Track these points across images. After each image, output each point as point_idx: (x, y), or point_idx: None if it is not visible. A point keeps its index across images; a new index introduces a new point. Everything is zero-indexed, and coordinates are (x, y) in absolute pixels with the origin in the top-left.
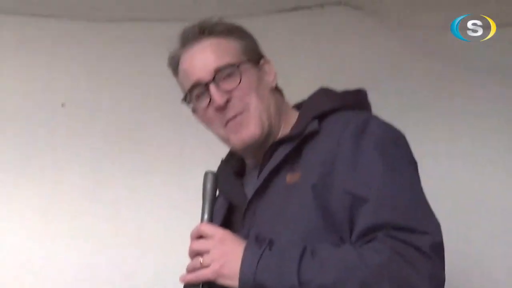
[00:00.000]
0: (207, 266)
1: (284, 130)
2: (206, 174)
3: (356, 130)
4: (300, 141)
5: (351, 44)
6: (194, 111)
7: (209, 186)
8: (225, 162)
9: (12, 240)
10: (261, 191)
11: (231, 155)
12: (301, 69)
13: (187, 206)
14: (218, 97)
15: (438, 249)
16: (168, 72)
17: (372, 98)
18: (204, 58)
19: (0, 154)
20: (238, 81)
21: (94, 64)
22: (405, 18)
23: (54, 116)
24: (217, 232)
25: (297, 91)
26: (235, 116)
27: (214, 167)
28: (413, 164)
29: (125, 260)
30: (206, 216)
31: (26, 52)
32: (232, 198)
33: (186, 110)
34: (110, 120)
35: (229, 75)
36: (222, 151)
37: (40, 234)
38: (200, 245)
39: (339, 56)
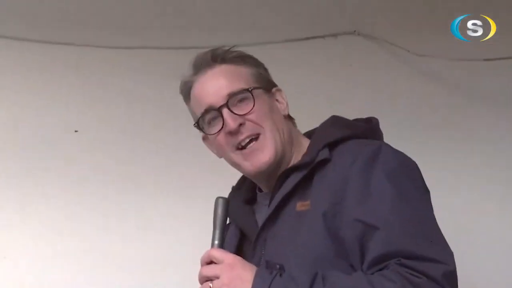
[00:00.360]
0: None
1: (296, 157)
2: (217, 200)
3: (368, 158)
4: (310, 169)
5: (364, 73)
6: (205, 138)
7: (220, 211)
8: (235, 190)
9: (18, 261)
10: (272, 218)
11: (242, 182)
12: (314, 97)
13: (197, 228)
14: (231, 120)
15: (450, 278)
16: (180, 98)
17: (385, 126)
18: (217, 84)
19: (14, 177)
20: (252, 105)
21: (107, 91)
22: (416, 47)
23: (68, 141)
24: (227, 257)
25: (310, 119)
26: (250, 141)
27: (223, 190)
28: (425, 193)
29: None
30: (216, 242)
31: (38, 79)
32: (243, 226)
33: (197, 136)
34: (122, 145)
35: (242, 100)
36: (230, 174)
37: (51, 257)
38: (210, 270)
39: (352, 85)
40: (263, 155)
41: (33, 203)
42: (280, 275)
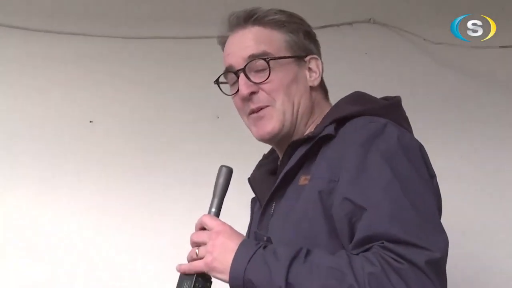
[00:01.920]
0: (201, 258)
1: (312, 129)
2: (220, 168)
3: (368, 136)
4: (316, 143)
5: (379, 61)
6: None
7: (221, 180)
8: (264, 158)
9: (35, 249)
10: (279, 191)
11: (272, 151)
12: (329, 86)
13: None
14: (244, 87)
15: (435, 266)
16: (193, 89)
17: None
18: (241, 45)
19: (31, 167)
20: (267, 75)
21: (121, 82)
22: (432, 35)
23: (83, 131)
24: (216, 224)
25: None
26: (258, 109)
27: (237, 180)
28: (425, 176)
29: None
30: (213, 210)
31: (56, 69)
32: (260, 198)
33: (211, 126)
34: (136, 136)
35: (261, 68)
36: (245, 166)
37: (63, 251)
38: (199, 236)
39: (367, 73)
40: (267, 124)
41: (48, 194)
42: (265, 247)
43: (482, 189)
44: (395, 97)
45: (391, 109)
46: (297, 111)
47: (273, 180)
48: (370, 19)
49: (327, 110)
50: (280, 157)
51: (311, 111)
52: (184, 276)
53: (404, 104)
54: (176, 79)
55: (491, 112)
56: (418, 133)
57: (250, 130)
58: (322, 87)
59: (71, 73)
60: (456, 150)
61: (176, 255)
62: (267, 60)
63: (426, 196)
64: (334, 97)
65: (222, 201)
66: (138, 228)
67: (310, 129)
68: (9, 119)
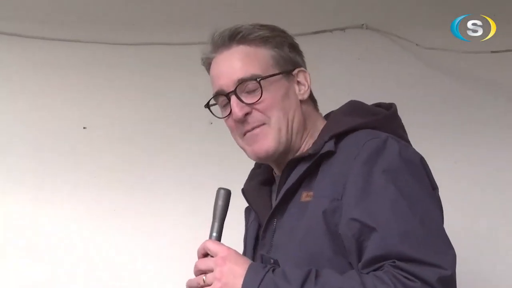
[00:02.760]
0: (209, 285)
1: (308, 143)
2: (218, 191)
3: (370, 153)
4: (316, 160)
5: (372, 66)
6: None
7: (220, 203)
8: (255, 169)
9: (30, 253)
10: (280, 208)
11: (260, 162)
12: (322, 91)
13: (206, 225)
14: (237, 109)
15: (446, 283)
16: (188, 95)
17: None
18: (229, 67)
19: (23, 172)
20: (259, 96)
21: (115, 88)
22: (424, 40)
23: (76, 137)
24: (221, 250)
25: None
26: (253, 128)
27: (233, 185)
28: (430, 191)
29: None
30: (214, 234)
31: (49, 75)
32: (257, 210)
33: (206, 132)
34: (129, 142)
35: (252, 89)
36: (240, 171)
37: (61, 253)
38: (204, 263)
39: (360, 78)
40: (263, 142)
41: (42, 200)
42: (273, 270)
43: (470, 194)
44: (390, 104)
45: (389, 120)
46: (292, 126)
47: (267, 191)
48: (362, 24)
49: (319, 121)
50: (277, 173)
51: (304, 124)
52: None
53: (397, 109)
54: (169, 85)
55: (484, 115)
56: (411, 137)
57: (245, 150)
58: (311, 99)
59: (64, 79)
60: (449, 154)
61: (174, 255)
62: (258, 80)
63: (432, 211)
64: (327, 102)
65: (223, 224)
66: (137, 229)
67: (306, 143)
68: (5, 123)
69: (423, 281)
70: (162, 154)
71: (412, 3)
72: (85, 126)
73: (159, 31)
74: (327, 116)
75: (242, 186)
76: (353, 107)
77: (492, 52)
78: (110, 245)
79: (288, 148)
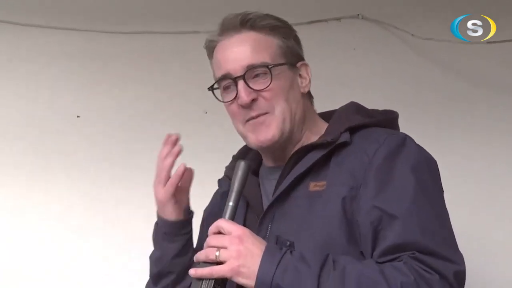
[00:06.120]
0: (222, 262)
1: (307, 136)
2: (238, 163)
3: (393, 148)
4: (329, 150)
5: (367, 56)
6: (219, 99)
7: (240, 174)
8: (237, 160)
9: (26, 246)
10: (283, 195)
11: (244, 153)
12: (317, 81)
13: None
14: (244, 94)
15: (461, 278)
16: (183, 84)
17: (389, 108)
18: (239, 52)
19: (17, 160)
20: (268, 83)
21: (109, 76)
22: (420, 31)
23: (70, 126)
24: (236, 229)
25: (314, 103)
26: (258, 116)
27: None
28: (442, 192)
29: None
30: (231, 203)
31: (43, 64)
32: (250, 197)
33: (202, 121)
34: (123, 131)
35: (260, 75)
36: (229, 160)
37: (51, 239)
38: (218, 240)
39: (355, 69)
40: (267, 131)
41: (36, 189)
42: (291, 252)
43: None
44: (394, 112)
45: (394, 123)
46: (294, 118)
47: (255, 180)
48: (358, 14)
49: (316, 117)
50: (270, 164)
51: (304, 117)
52: (200, 280)
53: (393, 99)
54: (164, 74)
55: (479, 106)
56: (406, 129)
57: (246, 137)
58: (309, 94)
59: (58, 67)
60: (445, 146)
61: None
62: (269, 68)
63: (446, 211)
64: (322, 92)
65: (237, 205)
66: (127, 223)
67: (306, 137)
68: None
69: (441, 274)
70: (156, 143)
71: None
72: (78, 115)
73: (153, 20)
74: (322, 114)
75: None
76: (357, 107)
77: (488, 42)
78: (103, 235)
79: (289, 139)
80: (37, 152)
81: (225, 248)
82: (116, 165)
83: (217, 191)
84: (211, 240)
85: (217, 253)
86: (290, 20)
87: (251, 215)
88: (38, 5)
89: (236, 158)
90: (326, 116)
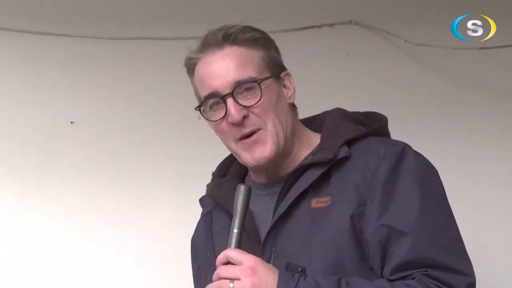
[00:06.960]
0: None
1: (299, 149)
2: (238, 187)
3: (394, 161)
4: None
5: (360, 62)
6: (207, 118)
7: (240, 198)
8: (218, 177)
9: (18, 249)
10: (284, 215)
11: (223, 169)
12: (310, 87)
13: (195, 222)
14: (235, 112)
15: None
16: (178, 90)
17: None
18: (224, 68)
19: (10, 167)
20: (258, 98)
21: (103, 82)
22: (413, 37)
23: (63, 132)
24: (247, 259)
25: (307, 109)
26: (251, 133)
27: None
28: (446, 199)
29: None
30: (235, 231)
31: (36, 70)
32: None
33: (196, 128)
34: (117, 137)
35: (249, 90)
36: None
37: (51, 239)
38: (229, 271)
39: (348, 74)
40: (263, 149)
41: (30, 195)
42: (304, 278)
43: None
44: (381, 116)
45: (386, 130)
46: (286, 130)
47: None
48: (351, 20)
49: (302, 127)
50: (262, 181)
51: (293, 129)
52: None
53: (386, 105)
54: (159, 80)
55: (472, 111)
56: (399, 133)
57: (239, 155)
58: (293, 103)
59: (53, 73)
60: (437, 150)
61: (162, 250)
62: (258, 83)
63: (453, 219)
64: (316, 97)
65: (242, 232)
66: (124, 224)
67: (298, 149)
68: None
69: None
70: (150, 149)
71: None
72: (72, 121)
73: (147, 26)
74: (305, 122)
75: None
76: (343, 114)
77: (481, 48)
78: (97, 240)
79: (284, 153)
80: (30, 158)
81: (238, 279)
82: (111, 171)
83: (202, 215)
84: (222, 271)
85: (231, 285)
86: (283, 26)
87: (244, 235)
88: (32, 11)
89: (217, 176)
90: (308, 123)
